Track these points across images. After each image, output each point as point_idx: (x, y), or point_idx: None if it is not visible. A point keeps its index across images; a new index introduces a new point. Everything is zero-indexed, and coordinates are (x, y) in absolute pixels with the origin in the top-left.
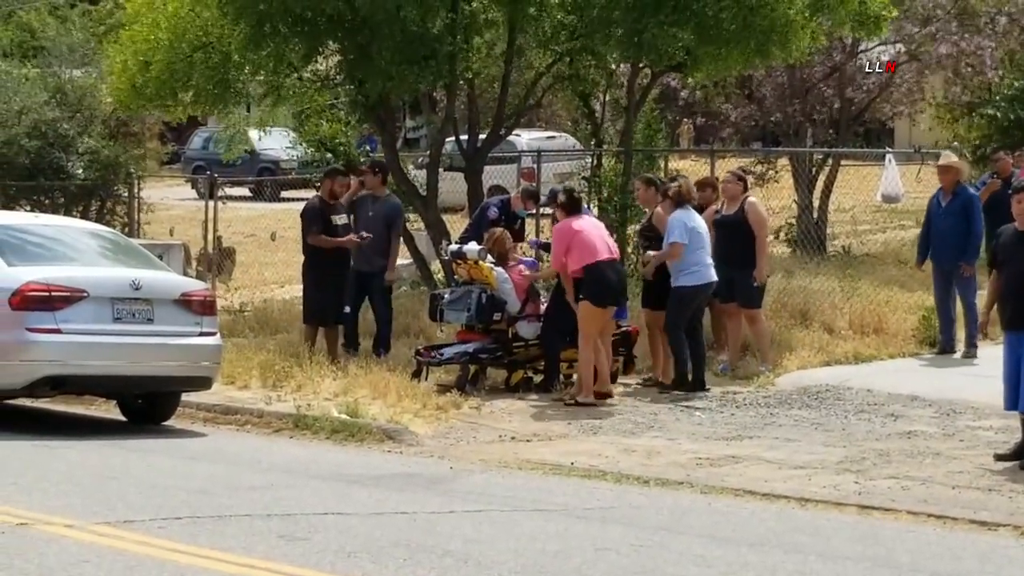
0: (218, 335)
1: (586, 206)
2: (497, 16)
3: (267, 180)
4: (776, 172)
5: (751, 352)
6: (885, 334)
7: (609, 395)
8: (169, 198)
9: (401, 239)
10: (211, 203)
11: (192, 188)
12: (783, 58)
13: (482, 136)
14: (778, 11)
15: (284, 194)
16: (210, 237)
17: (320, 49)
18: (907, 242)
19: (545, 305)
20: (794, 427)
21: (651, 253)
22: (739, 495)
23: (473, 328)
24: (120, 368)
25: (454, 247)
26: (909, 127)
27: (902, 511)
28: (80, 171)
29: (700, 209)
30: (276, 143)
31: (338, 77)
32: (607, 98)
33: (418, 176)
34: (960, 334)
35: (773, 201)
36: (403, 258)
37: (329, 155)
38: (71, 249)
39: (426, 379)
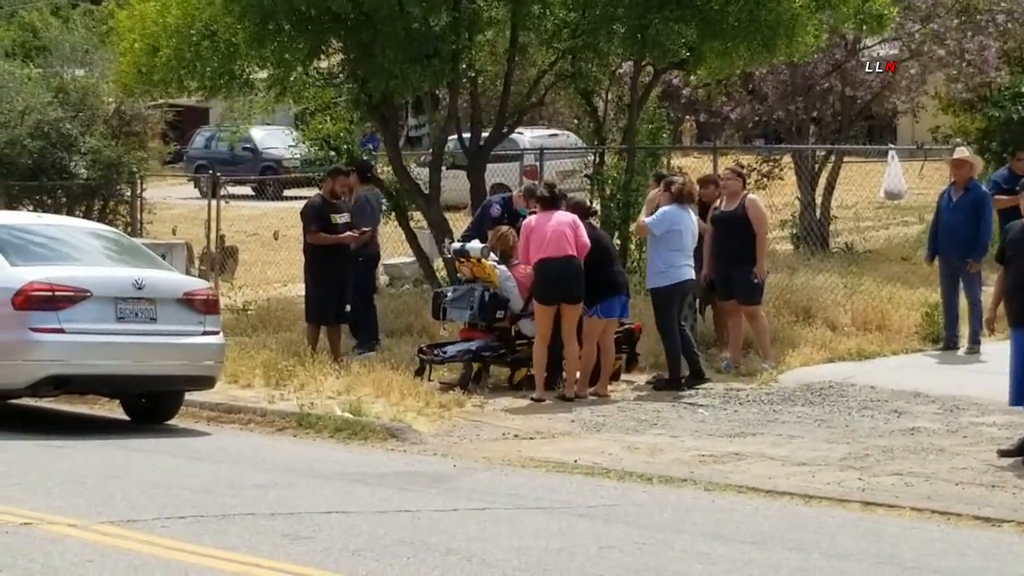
0: (221, 334)
1: (593, 204)
2: (500, 14)
3: (270, 179)
4: (780, 170)
5: (753, 349)
6: (888, 331)
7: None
8: (172, 197)
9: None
10: (214, 202)
11: (195, 187)
12: (789, 53)
13: (485, 134)
14: (784, 5)
15: (287, 193)
16: (213, 236)
17: (323, 47)
18: (910, 239)
19: None
20: (797, 424)
21: (642, 219)
22: (743, 492)
23: (476, 326)
24: (123, 368)
25: (457, 245)
26: (912, 124)
27: (906, 508)
28: (83, 171)
29: (704, 207)
30: (279, 141)
31: (341, 75)
32: (610, 96)
33: (421, 174)
34: (964, 330)
35: (776, 198)
36: (406, 256)
37: (332, 153)
38: (74, 249)
39: (429, 377)
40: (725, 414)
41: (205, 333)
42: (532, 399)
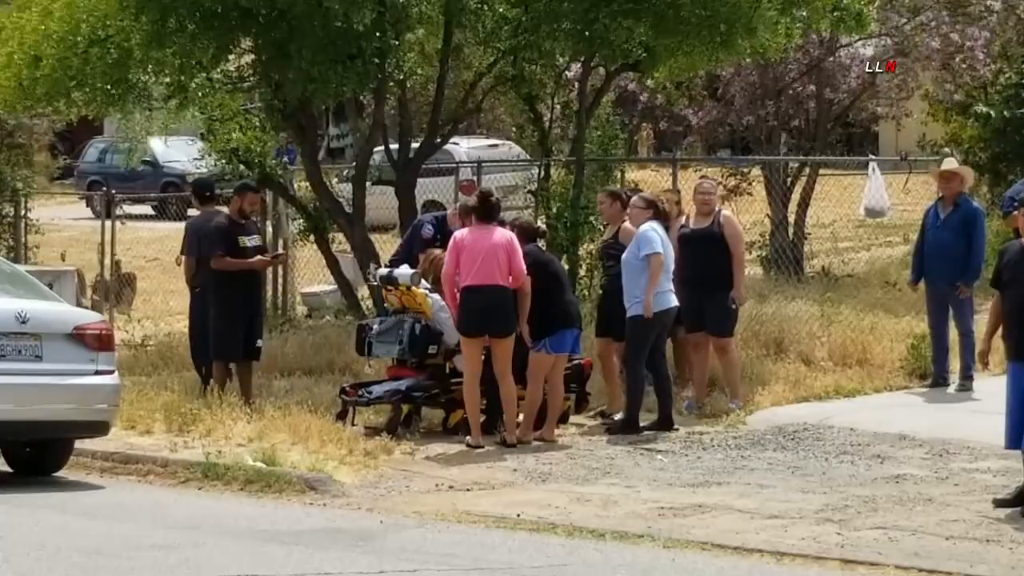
0: (116, 374)
1: (539, 224)
2: (431, 10)
3: (172, 196)
4: (749, 184)
5: (719, 387)
6: (870, 365)
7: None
8: (61, 218)
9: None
10: (108, 223)
11: (87, 206)
12: (751, 51)
13: (415, 145)
14: None
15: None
16: (107, 262)
17: (232, 47)
18: (894, 260)
19: None
20: (768, 471)
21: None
22: (707, 549)
23: (406, 363)
24: (4, 412)
25: (383, 271)
26: (896, 132)
27: (890, 566)
28: None
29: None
30: (182, 154)
31: (252, 79)
32: (556, 101)
33: (343, 191)
34: (955, 364)
35: (744, 216)
36: (326, 284)
37: (242, 167)
38: None
39: (353, 422)
40: (687, 460)
41: (98, 372)
42: (468, 445)
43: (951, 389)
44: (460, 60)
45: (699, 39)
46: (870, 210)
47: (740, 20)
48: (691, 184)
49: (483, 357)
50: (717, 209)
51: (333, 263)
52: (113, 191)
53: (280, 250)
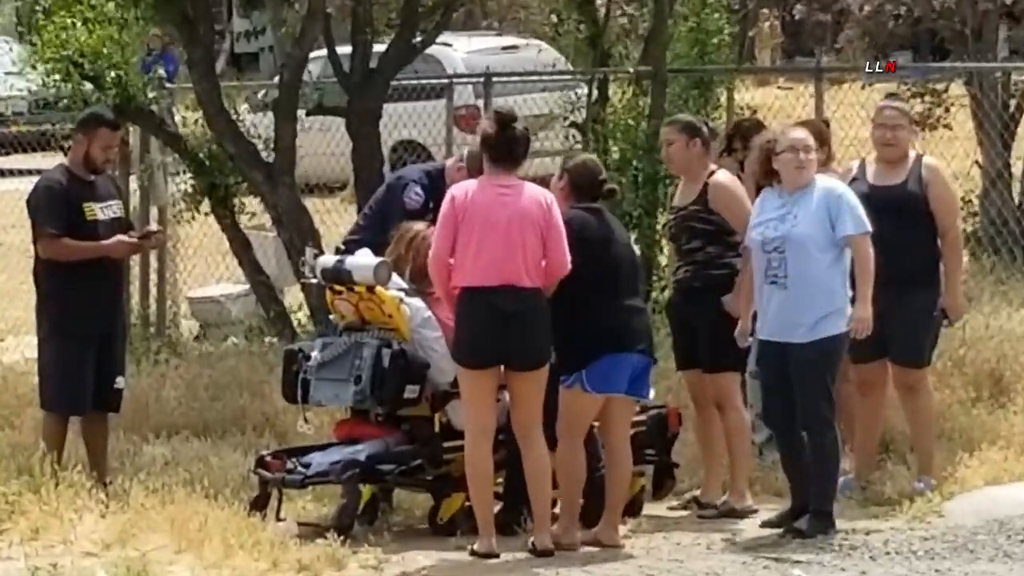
0: None
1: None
2: None
3: None
4: (946, 110)
5: (896, 452)
6: None
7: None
8: None
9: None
10: None
11: None
12: None
13: (379, 48)
14: None
15: (0, 162)
16: None
17: None
18: None
19: None
20: None
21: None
22: None
23: (367, 415)
24: None
25: (328, 259)
26: None
27: None
28: None
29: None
30: None
31: None
32: None
33: (258, 125)
34: None
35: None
36: (231, 282)
37: (89, 86)
38: None
39: (279, 514)
40: None
41: None
42: (474, 553)
43: None
44: None
45: None
46: None
47: None
48: (846, 111)
49: (497, 403)
50: (913, 155)
51: (242, 247)
52: None
53: (153, 225)
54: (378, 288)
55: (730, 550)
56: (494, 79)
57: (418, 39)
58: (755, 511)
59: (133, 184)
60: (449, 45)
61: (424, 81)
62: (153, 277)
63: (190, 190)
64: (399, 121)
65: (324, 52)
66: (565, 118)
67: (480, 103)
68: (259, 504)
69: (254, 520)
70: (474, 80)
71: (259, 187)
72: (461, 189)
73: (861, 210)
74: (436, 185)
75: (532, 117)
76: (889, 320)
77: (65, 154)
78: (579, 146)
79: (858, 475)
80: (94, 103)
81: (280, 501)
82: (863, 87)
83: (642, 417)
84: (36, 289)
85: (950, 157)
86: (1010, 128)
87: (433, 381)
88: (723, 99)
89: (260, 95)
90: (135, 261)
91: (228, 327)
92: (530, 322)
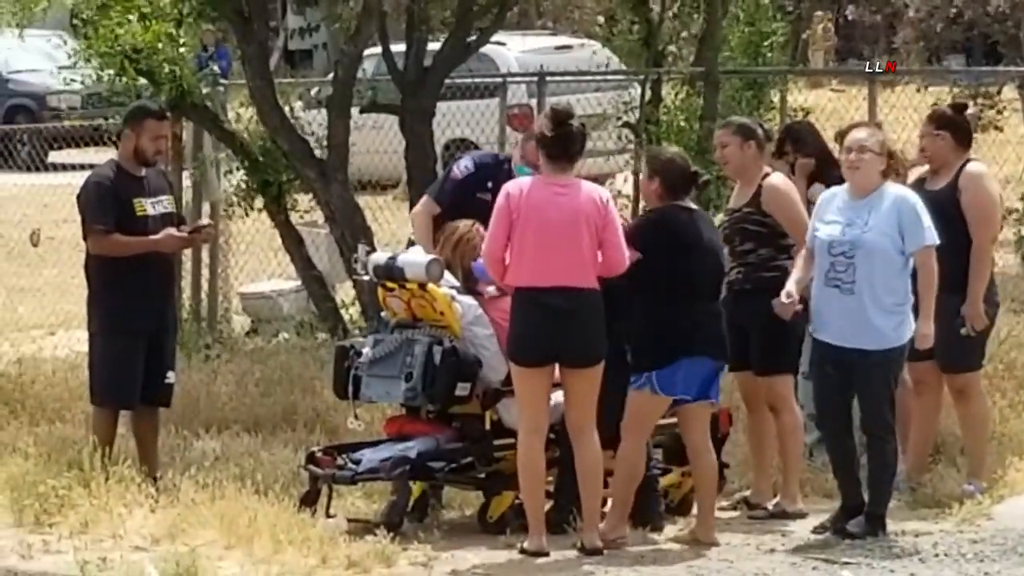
0: None
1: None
2: None
3: (22, 130)
4: (999, 113)
5: (947, 455)
6: None
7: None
8: None
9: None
10: None
11: None
12: None
13: (433, 46)
14: None
15: (54, 156)
16: None
17: None
18: None
19: None
20: None
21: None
22: None
23: (418, 412)
24: None
25: (380, 256)
26: None
27: None
28: None
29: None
30: (39, 61)
31: None
32: None
33: (312, 122)
34: None
35: (993, 167)
36: (283, 279)
37: (142, 81)
38: None
39: (329, 510)
40: None
41: None
42: (523, 551)
43: None
44: None
45: None
46: None
47: None
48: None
49: (550, 401)
50: (960, 162)
51: (295, 243)
52: None
53: (205, 220)
54: (430, 285)
55: (779, 551)
56: (547, 78)
57: (472, 38)
58: (805, 514)
59: (186, 180)
60: (503, 44)
61: (478, 80)
62: (205, 272)
63: (243, 186)
64: (452, 119)
65: (378, 50)
66: (618, 118)
67: (533, 102)
68: (309, 500)
69: (304, 516)
70: (527, 79)
71: (312, 184)
72: (517, 187)
73: (930, 222)
74: (494, 169)
75: (585, 117)
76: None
77: (117, 148)
78: (631, 146)
79: (909, 476)
80: (148, 98)
81: (330, 497)
82: (917, 90)
83: None
84: (87, 284)
85: (1002, 161)
86: None
87: (484, 379)
88: (776, 101)
89: (314, 92)
90: (187, 256)
91: (279, 323)
92: (584, 320)
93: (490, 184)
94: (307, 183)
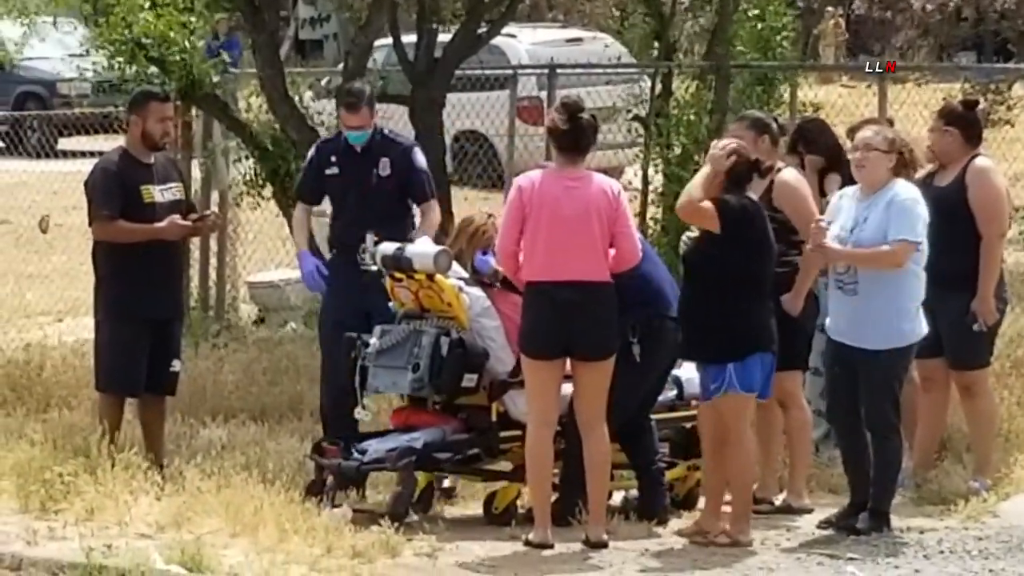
0: None
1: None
2: None
3: (33, 116)
4: (1009, 109)
5: (953, 451)
6: None
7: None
8: None
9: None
10: None
11: None
12: None
13: (444, 37)
14: None
15: (64, 143)
16: None
17: None
18: None
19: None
20: None
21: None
22: None
23: (424, 403)
24: None
25: (388, 246)
26: None
27: None
28: None
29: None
30: (51, 49)
31: None
32: None
33: (322, 112)
34: None
35: (1003, 163)
36: (290, 268)
37: (153, 70)
38: None
39: (334, 500)
40: None
41: None
42: (528, 543)
43: None
44: None
45: None
46: None
47: None
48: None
49: (559, 395)
50: (967, 157)
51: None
52: None
53: (211, 209)
54: (438, 276)
55: (784, 546)
56: (558, 71)
57: (483, 29)
58: (811, 510)
59: (195, 169)
60: (514, 36)
61: (488, 72)
62: (213, 261)
63: (252, 175)
64: (462, 111)
65: (389, 40)
66: (628, 111)
67: (543, 95)
68: (314, 490)
69: (309, 506)
70: (538, 72)
71: None
72: (528, 180)
73: (913, 218)
74: (335, 144)
75: (595, 110)
76: (940, 321)
77: (124, 136)
78: (641, 140)
79: (915, 473)
80: (157, 86)
81: (335, 488)
82: (918, 84)
83: (684, 413)
84: (94, 271)
85: (1012, 158)
86: None
87: (491, 370)
88: (786, 96)
89: (324, 82)
90: (195, 245)
91: (287, 312)
92: (596, 313)
93: (333, 158)
94: None
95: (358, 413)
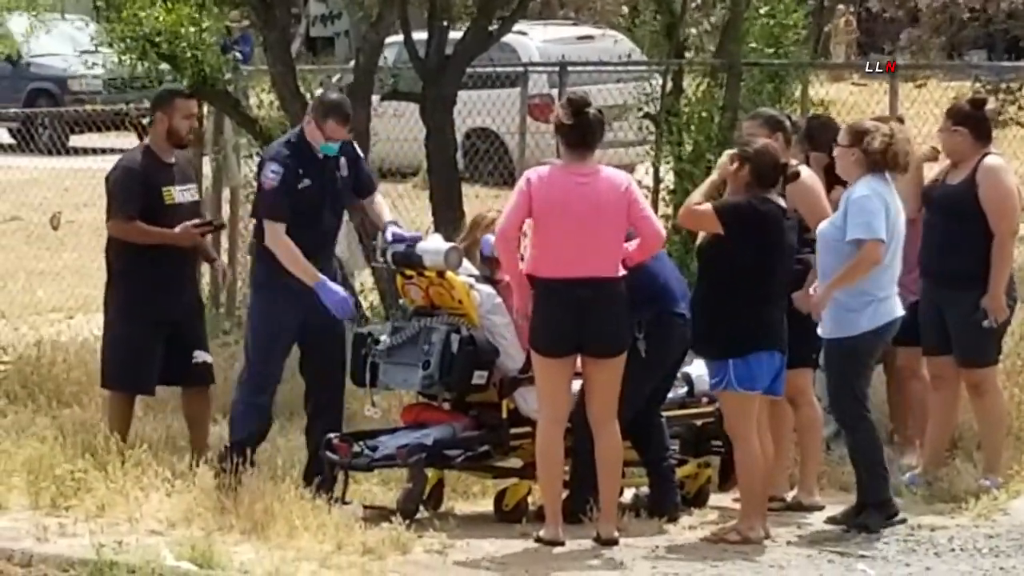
0: None
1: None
2: None
3: (43, 113)
4: (1020, 107)
5: (963, 450)
6: None
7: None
8: None
9: None
10: None
11: None
12: None
13: (455, 35)
14: None
15: (75, 140)
16: None
17: None
18: None
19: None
20: None
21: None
22: None
23: (434, 400)
24: None
25: (398, 243)
26: None
27: None
28: None
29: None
30: (62, 45)
31: None
32: None
33: None
34: None
35: (1015, 161)
36: None
37: (164, 67)
38: None
39: (344, 497)
40: (908, 575)
41: None
42: (539, 540)
43: None
44: None
45: None
46: None
47: None
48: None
49: (571, 392)
50: (984, 152)
51: None
52: None
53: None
54: (448, 273)
55: (795, 543)
56: (569, 68)
57: (494, 27)
58: (822, 507)
59: (206, 166)
60: (525, 34)
61: (499, 69)
62: (224, 258)
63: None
64: (473, 108)
65: (400, 38)
66: (639, 109)
67: (554, 92)
68: (325, 487)
69: (319, 502)
70: (549, 69)
71: None
72: (537, 175)
73: (865, 215)
74: (297, 155)
75: (606, 107)
76: (950, 318)
77: (138, 134)
78: (652, 137)
79: (925, 470)
80: (169, 83)
81: (346, 484)
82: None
83: (710, 409)
84: (107, 269)
85: (1023, 158)
86: None
87: (502, 367)
88: (797, 94)
89: (335, 79)
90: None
91: None
92: (607, 310)
93: (301, 171)
94: None
95: (368, 410)
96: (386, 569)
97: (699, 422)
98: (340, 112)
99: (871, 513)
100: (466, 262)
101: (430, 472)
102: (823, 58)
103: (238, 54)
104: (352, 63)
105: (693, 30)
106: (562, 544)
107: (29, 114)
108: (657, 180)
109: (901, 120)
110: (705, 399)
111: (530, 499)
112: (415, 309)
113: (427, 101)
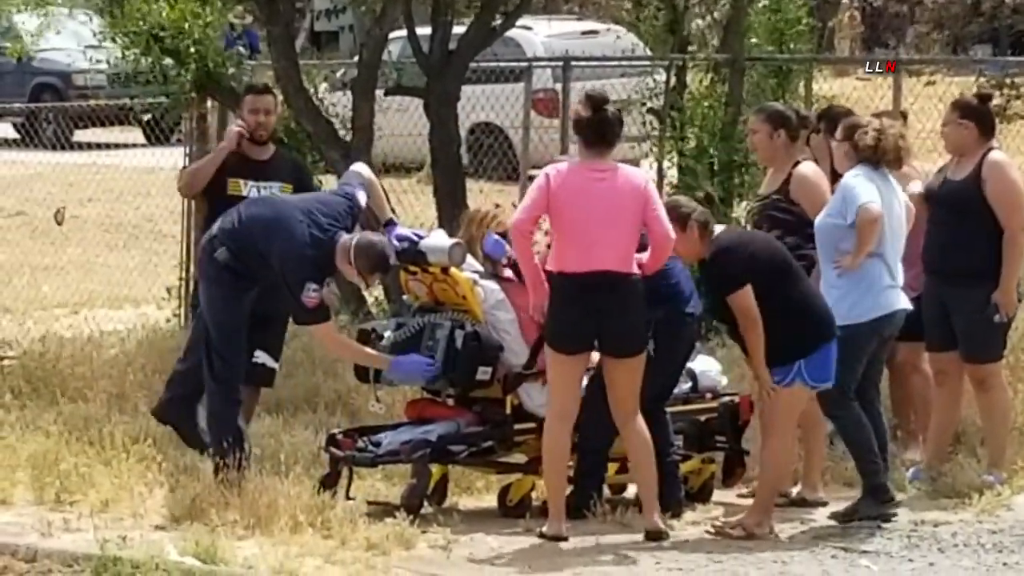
0: None
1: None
2: None
3: (48, 108)
4: None
5: (967, 446)
6: None
7: (659, 534)
8: None
9: None
10: None
11: None
12: None
13: (459, 29)
14: None
15: (80, 135)
16: None
17: None
18: None
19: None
20: None
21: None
22: None
23: (438, 395)
24: None
25: (402, 238)
26: None
27: None
28: None
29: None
30: (65, 41)
31: None
32: None
33: (337, 104)
34: None
35: (1018, 157)
36: None
37: (168, 61)
38: None
39: (348, 492)
40: (912, 570)
41: None
42: (543, 536)
43: None
44: None
45: None
46: None
47: None
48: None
49: (580, 389)
50: (982, 151)
51: None
52: None
53: None
54: (452, 269)
55: (798, 539)
56: (573, 64)
57: (498, 22)
58: (826, 503)
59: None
60: (529, 28)
61: (503, 64)
62: None
63: None
64: (477, 103)
65: (404, 32)
66: (643, 104)
67: (559, 87)
68: (329, 482)
69: (324, 498)
70: (553, 64)
71: (336, 166)
72: (555, 170)
73: (852, 197)
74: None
75: (613, 102)
76: (953, 315)
77: (143, 128)
78: (656, 132)
79: (929, 466)
80: (173, 78)
81: (350, 479)
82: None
83: (714, 405)
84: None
85: None
86: None
87: (506, 363)
88: (801, 89)
89: (339, 74)
90: None
91: None
92: (625, 309)
93: (328, 279)
94: (331, 165)
95: (372, 406)
96: (390, 565)
97: (703, 418)
98: (385, 269)
99: (868, 499)
100: (470, 258)
101: (434, 468)
102: (828, 53)
103: (242, 48)
104: (356, 58)
105: (697, 23)
106: (566, 540)
107: (33, 109)
108: (660, 175)
109: (904, 116)
110: (709, 395)
111: (534, 495)
112: (419, 305)
113: (431, 96)
